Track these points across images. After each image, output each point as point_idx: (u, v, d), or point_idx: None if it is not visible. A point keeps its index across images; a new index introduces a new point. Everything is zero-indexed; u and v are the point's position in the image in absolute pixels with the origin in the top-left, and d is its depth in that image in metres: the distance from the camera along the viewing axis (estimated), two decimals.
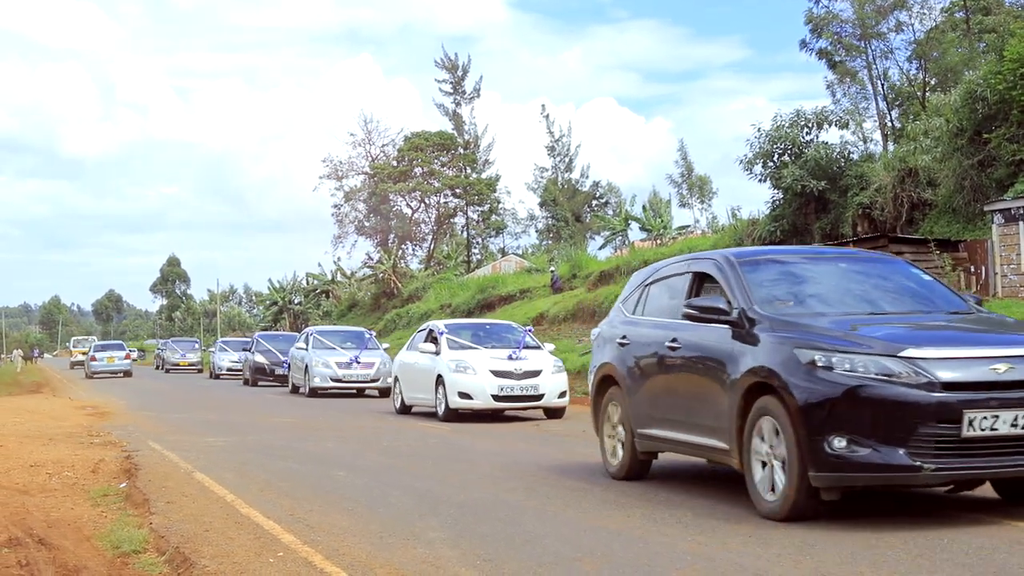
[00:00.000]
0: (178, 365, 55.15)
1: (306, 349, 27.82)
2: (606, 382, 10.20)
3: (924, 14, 40.53)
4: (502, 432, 15.71)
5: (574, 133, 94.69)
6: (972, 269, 24.03)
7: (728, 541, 6.96)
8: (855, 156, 33.49)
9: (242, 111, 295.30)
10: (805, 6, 41.39)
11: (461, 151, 73.68)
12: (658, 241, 57.46)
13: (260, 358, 34.85)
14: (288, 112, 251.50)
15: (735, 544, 6.86)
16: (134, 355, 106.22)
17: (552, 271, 49.24)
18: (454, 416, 17.74)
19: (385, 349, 28.48)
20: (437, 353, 18.64)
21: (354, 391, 27.10)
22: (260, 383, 34.48)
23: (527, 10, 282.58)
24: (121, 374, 47.37)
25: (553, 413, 18.23)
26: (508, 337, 19.75)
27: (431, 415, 18.84)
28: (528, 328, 20.73)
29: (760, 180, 34.23)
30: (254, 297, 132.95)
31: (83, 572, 6.64)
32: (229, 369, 43.16)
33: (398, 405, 20.33)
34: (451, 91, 76.47)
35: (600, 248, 71.15)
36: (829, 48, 41.68)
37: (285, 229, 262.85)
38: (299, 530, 7.61)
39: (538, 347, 19.32)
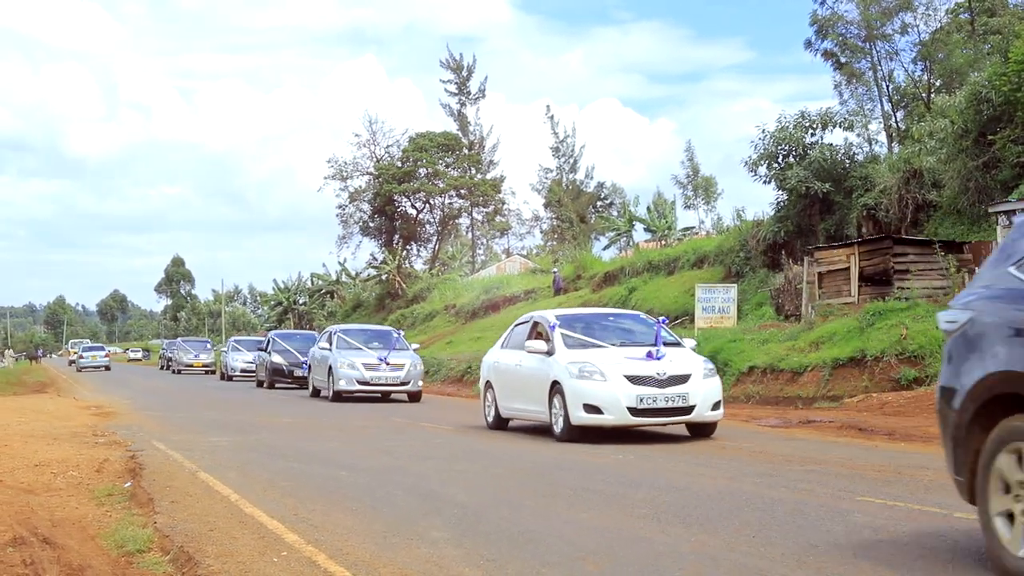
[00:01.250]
0: (191, 366, 52.93)
1: (329, 349, 25.64)
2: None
3: (929, 15, 40.51)
4: (495, 435, 15.71)
5: (578, 134, 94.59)
6: (976, 271, 23.98)
7: (732, 542, 6.96)
8: (860, 157, 33.49)
9: (245, 111, 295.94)
10: (809, 8, 41.47)
11: (466, 151, 73.72)
12: (663, 242, 57.48)
13: (277, 358, 32.84)
14: (291, 113, 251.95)
15: (739, 545, 6.86)
16: (138, 355, 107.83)
17: (555, 272, 49.27)
18: (578, 434, 13.94)
19: (415, 350, 26.62)
20: (550, 353, 14.85)
21: (379, 395, 25.28)
22: (277, 385, 32.77)
23: (531, 11, 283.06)
24: (102, 368, 60.41)
25: (701, 429, 14.36)
26: (638, 331, 15.63)
27: (533, 431, 15.79)
28: (663, 319, 16.49)
29: (765, 181, 34.22)
30: (259, 297, 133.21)
31: (87, 571, 6.64)
32: (243, 370, 40.86)
33: (491, 418, 16.68)
34: (456, 91, 76.59)
35: (604, 249, 71.15)
36: (834, 49, 41.66)
37: (289, 229, 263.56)
38: (303, 529, 7.62)
39: (678, 343, 15.24)
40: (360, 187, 73.29)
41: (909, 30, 40.93)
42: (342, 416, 19.97)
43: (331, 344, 25.72)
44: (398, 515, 8.22)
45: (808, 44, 41.97)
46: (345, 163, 73.07)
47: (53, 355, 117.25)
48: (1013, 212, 23.18)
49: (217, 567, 6.49)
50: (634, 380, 13.58)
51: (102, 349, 69.68)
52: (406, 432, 16.38)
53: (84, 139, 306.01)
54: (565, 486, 9.66)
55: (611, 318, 16.65)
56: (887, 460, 11.42)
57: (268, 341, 34.80)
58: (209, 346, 57.71)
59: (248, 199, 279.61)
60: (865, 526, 7.42)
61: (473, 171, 73.54)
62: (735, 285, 30.45)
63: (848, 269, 25.14)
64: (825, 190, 31.80)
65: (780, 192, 33.97)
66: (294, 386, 31.94)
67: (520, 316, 18.49)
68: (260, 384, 34.35)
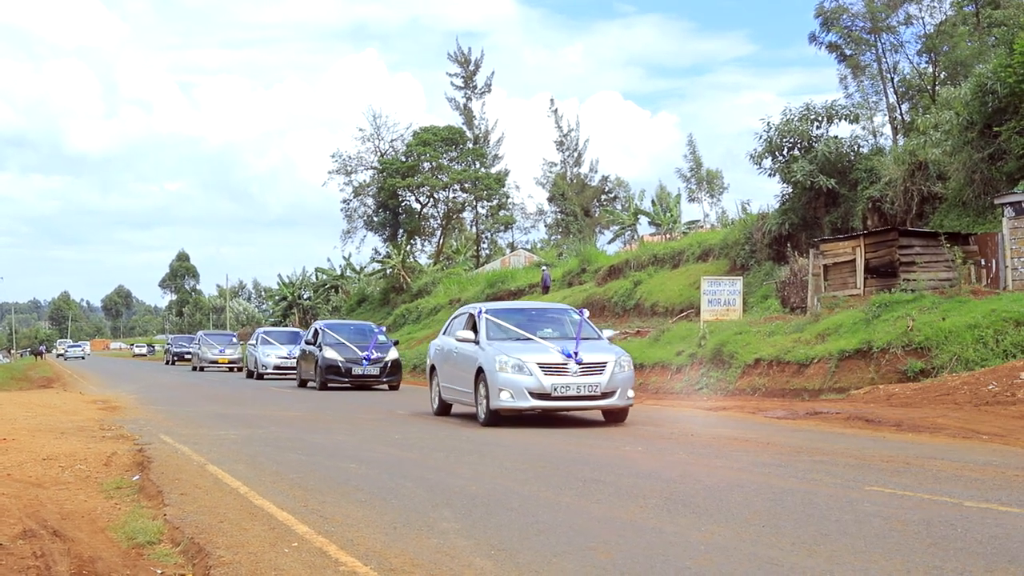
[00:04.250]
0: (215, 362, 47.60)
1: (476, 342, 16.23)
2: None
3: (934, 7, 40.49)
4: (509, 426, 15.70)
5: (581, 128, 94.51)
6: (982, 262, 23.94)
7: (742, 531, 6.96)
8: (865, 150, 33.44)
9: (247, 107, 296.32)
10: (814, 0, 41.36)
11: (471, 145, 73.69)
12: (667, 235, 57.45)
13: (331, 354, 27.75)
14: (292, 108, 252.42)
15: (749, 534, 6.86)
16: (143, 351, 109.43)
17: (544, 270, 49.20)
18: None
19: (609, 338, 16.94)
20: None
21: (563, 412, 16.05)
22: (331, 386, 28.07)
23: (534, 5, 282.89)
24: (80, 357, 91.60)
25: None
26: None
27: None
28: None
29: (769, 174, 34.20)
30: (263, 292, 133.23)
31: (98, 563, 6.65)
32: (276, 367, 36.41)
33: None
34: (462, 85, 76.60)
35: (609, 243, 71.25)
36: (839, 42, 41.61)
37: (294, 224, 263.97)
38: (313, 521, 7.63)
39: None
40: (364, 182, 73.29)
41: (914, 22, 40.95)
42: (347, 409, 19.96)
43: (482, 332, 16.33)
44: (407, 506, 8.22)
45: (812, 37, 41.98)
46: (349, 158, 73.10)
47: (53, 351, 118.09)
48: (1019, 203, 23.15)
49: (228, 558, 6.49)
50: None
51: (79, 346, 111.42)
52: (413, 424, 16.38)
53: (86, 135, 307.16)
54: (575, 478, 9.66)
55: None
56: (895, 451, 11.41)
57: (317, 333, 29.55)
58: (235, 340, 52.71)
59: (251, 194, 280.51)
60: (875, 515, 7.42)
61: (477, 165, 73.52)
62: (741, 278, 30.45)
63: (854, 261, 25.11)
64: (830, 184, 31.76)
65: (785, 185, 33.93)
66: (348, 386, 28.07)
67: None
68: (303, 384, 30.12)
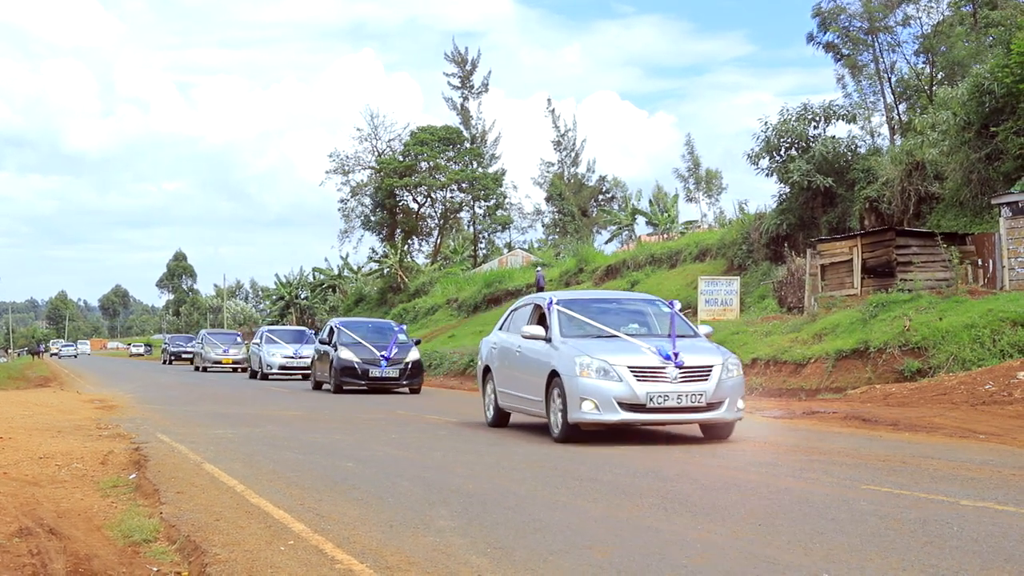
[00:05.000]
0: (219, 363, 45.99)
1: (548, 339, 13.36)
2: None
3: (931, 7, 40.52)
4: (509, 426, 15.70)
5: (579, 128, 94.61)
6: (979, 262, 23.98)
7: (738, 530, 6.96)
8: (862, 150, 33.49)
9: (244, 106, 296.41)
10: (811, 0, 41.40)
11: (468, 145, 73.72)
12: (665, 235, 57.48)
13: (347, 354, 25.72)
14: (289, 107, 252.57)
15: (746, 533, 6.86)
16: (140, 350, 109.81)
17: (538, 271, 49.24)
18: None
19: (707, 335, 13.82)
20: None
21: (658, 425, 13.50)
22: (346, 388, 26.07)
23: (532, 5, 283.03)
24: (72, 356, 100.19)
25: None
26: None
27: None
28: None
29: (767, 174, 34.24)
30: (260, 292, 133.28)
31: (94, 561, 6.65)
32: (282, 367, 35.14)
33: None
34: (459, 85, 76.63)
35: (607, 243, 71.31)
36: (836, 42, 41.64)
37: (291, 224, 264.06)
38: (309, 519, 7.62)
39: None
40: (362, 181, 73.29)
41: (911, 22, 40.95)
42: (346, 409, 19.96)
43: (548, 327, 13.58)
44: (404, 505, 8.22)
45: (810, 37, 42.00)
46: (347, 157, 73.08)
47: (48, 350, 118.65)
48: (1016, 203, 23.17)
49: (224, 555, 6.49)
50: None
51: (72, 345, 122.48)
52: (410, 424, 16.37)
53: (84, 135, 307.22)
54: (571, 476, 9.66)
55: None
56: (892, 450, 11.42)
57: (332, 331, 27.51)
58: (239, 339, 50.94)
59: (249, 194, 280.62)
60: (871, 514, 7.42)
61: (475, 165, 73.53)
62: (738, 278, 30.49)
63: (851, 261, 25.14)
64: (828, 183, 31.79)
65: (782, 185, 33.97)
66: (364, 389, 25.95)
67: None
68: (318, 386, 28.19)
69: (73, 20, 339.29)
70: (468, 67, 76.92)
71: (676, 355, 12.20)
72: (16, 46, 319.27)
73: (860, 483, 8.89)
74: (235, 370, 45.23)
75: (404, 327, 29.02)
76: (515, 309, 15.55)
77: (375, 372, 25.60)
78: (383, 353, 25.70)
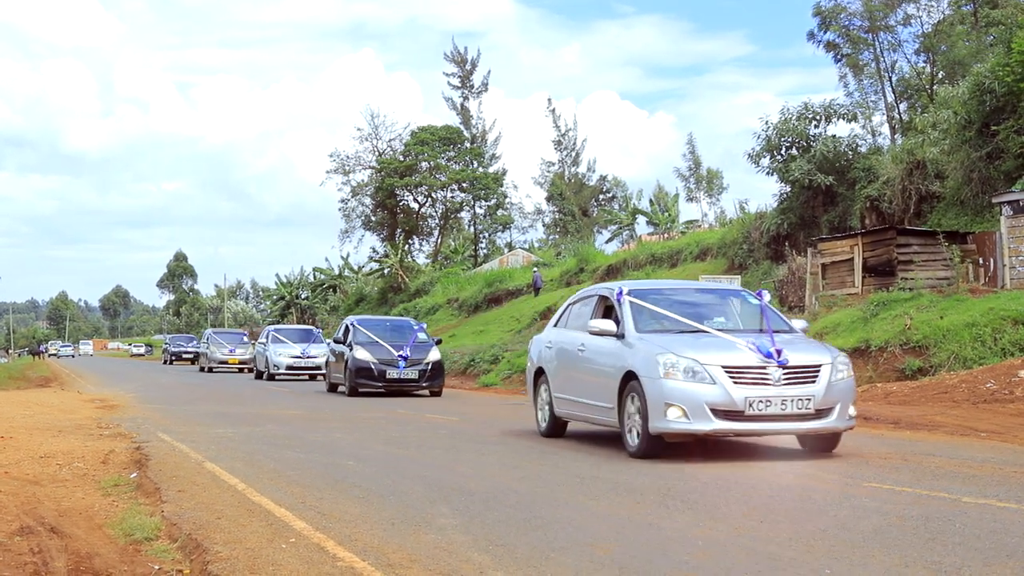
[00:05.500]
0: (225, 363, 44.76)
1: (620, 336, 11.58)
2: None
3: (932, 6, 40.55)
4: (510, 424, 15.70)
5: (579, 128, 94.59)
6: (980, 261, 23.98)
7: (740, 527, 6.96)
8: (863, 149, 33.49)
9: (244, 106, 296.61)
10: (811, 1, 41.40)
11: (468, 145, 73.73)
12: (665, 235, 57.47)
13: (363, 354, 23.89)
14: (289, 107, 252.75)
15: (747, 530, 6.86)
16: (141, 351, 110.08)
17: (535, 271, 49.26)
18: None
19: (803, 329, 12.15)
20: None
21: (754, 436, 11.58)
22: (362, 391, 24.05)
23: (533, 5, 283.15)
24: (71, 356, 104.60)
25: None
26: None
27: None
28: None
29: (768, 173, 34.25)
30: (261, 292, 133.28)
31: (95, 559, 6.64)
32: (290, 367, 34.22)
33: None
34: (459, 85, 76.62)
35: (607, 242, 71.32)
36: (837, 41, 41.65)
37: (291, 224, 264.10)
38: (311, 517, 7.61)
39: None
40: (362, 181, 73.29)
41: (912, 21, 40.95)
42: (347, 408, 19.95)
43: (619, 321, 11.75)
44: (406, 503, 8.21)
45: (811, 36, 42.00)
46: (347, 157, 73.09)
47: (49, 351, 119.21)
48: (1017, 202, 23.17)
49: (226, 553, 6.48)
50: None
51: (69, 346, 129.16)
52: (411, 423, 16.36)
53: (83, 135, 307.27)
54: (573, 475, 9.66)
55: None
56: (893, 448, 11.41)
57: (347, 329, 25.67)
58: (245, 339, 49.25)
59: (249, 194, 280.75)
60: (873, 511, 7.41)
61: (475, 164, 73.53)
62: (739, 277, 30.46)
63: (852, 260, 25.14)
64: (828, 182, 31.78)
65: (783, 184, 33.96)
66: (382, 391, 24.11)
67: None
68: (333, 388, 26.43)
69: (73, 20, 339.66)
70: (468, 67, 76.93)
71: (779, 352, 10.40)
72: (16, 46, 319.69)
73: (862, 481, 8.89)
74: (241, 370, 44.26)
75: (424, 325, 27.43)
76: (573, 302, 13.70)
77: (392, 373, 23.77)
78: (401, 353, 23.86)
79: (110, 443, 13.18)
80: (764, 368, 10.30)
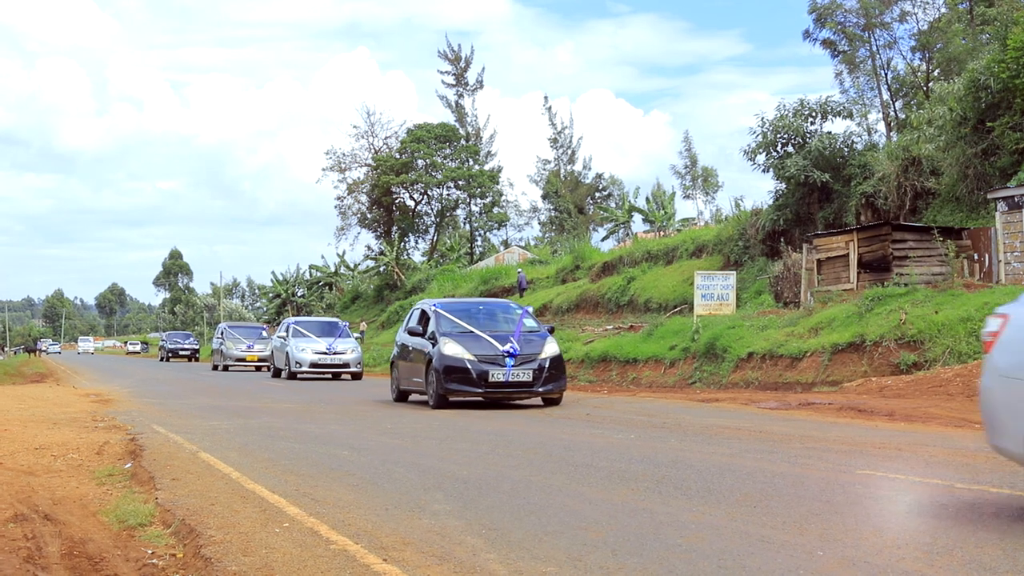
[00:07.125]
0: (243, 360, 40.79)
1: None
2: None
3: (927, 4, 40.59)
4: (503, 413, 15.70)
5: (575, 126, 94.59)
6: (976, 257, 24.02)
7: (734, 512, 6.96)
8: (859, 146, 33.53)
9: (238, 105, 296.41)
10: (806, 0, 41.43)
11: (464, 142, 73.72)
12: (661, 232, 57.50)
13: (454, 349, 17.25)
14: (284, 106, 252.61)
15: (741, 514, 6.86)
16: (137, 348, 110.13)
17: (519, 272, 49.29)
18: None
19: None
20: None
21: None
22: (453, 399, 17.70)
23: (528, 4, 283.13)
24: (57, 353, 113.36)
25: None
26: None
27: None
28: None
29: (763, 170, 34.28)
30: (257, 290, 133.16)
31: (89, 544, 6.64)
32: (314, 365, 31.05)
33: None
34: (454, 83, 76.53)
35: (603, 240, 71.30)
36: (833, 38, 41.69)
37: (287, 223, 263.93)
38: (304, 503, 7.62)
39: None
40: (358, 179, 73.27)
41: (908, 19, 40.99)
42: (341, 399, 19.95)
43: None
44: (399, 489, 8.22)
45: (807, 34, 42.05)
46: (343, 155, 73.08)
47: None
48: (1011, 198, 23.20)
49: (219, 537, 6.49)
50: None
51: (56, 344, 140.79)
52: (405, 414, 16.36)
53: (78, 133, 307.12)
54: (568, 463, 9.66)
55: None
56: (887, 438, 11.43)
57: (425, 316, 19.11)
58: (264, 333, 44.12)
59: (244, 192, 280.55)
60: (867, 496, 7.43)
61: (471, 162, 73.53)
62: (734, 272, 30.46)
63: (847, 256, 25.16)
64: (824, 179, 31.81)
65: (779, 181, 33.99)
66: (480, 399, 17.98)
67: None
68: (402, 397, 19.84)
69: (67, 19, 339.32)
70: (462, 64, 76.85)
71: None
72: (10, 44, 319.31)
73: (855, 468, 8.91)
74: (259, 368, 40.91)
75: (529, 308, 20.44)
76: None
77: (497, 375, 17.12)
78: (507, 347, 17.28)
79: (105, 435, 13.18)
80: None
